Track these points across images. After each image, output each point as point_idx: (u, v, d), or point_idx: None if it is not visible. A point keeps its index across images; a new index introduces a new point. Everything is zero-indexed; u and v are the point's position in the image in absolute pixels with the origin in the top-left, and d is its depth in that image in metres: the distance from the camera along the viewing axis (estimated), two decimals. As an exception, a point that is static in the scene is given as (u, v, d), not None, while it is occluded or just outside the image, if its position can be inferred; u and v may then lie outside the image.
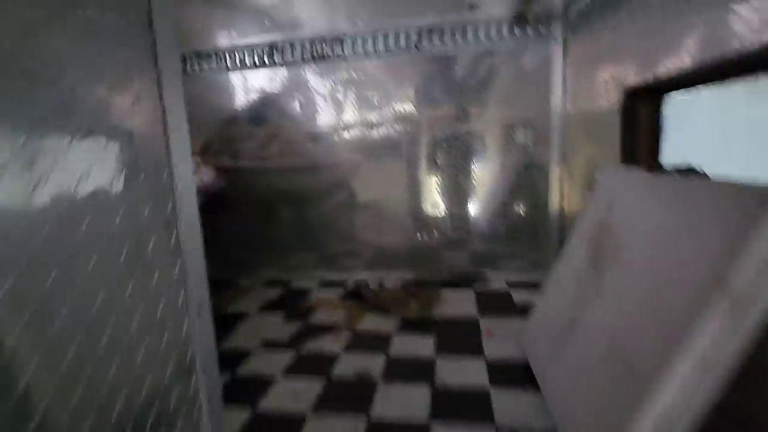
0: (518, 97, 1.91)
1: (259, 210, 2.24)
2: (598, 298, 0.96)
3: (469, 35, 1.85)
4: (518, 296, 1.78)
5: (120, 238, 0.68)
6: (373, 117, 2.04)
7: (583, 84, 1.64)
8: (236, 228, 2.26)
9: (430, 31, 1.87)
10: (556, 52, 1.79)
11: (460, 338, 1.43)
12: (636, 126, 1.16)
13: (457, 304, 1.72)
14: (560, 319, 1.09)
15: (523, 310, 1.61)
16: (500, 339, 1.41)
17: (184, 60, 2.12)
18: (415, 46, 1.90)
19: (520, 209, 2.00)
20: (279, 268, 2.26)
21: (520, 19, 1.73)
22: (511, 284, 1.91)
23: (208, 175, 1.68)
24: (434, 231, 2.09)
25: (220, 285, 2.16)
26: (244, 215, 2.24)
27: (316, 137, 2.12)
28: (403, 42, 1.90)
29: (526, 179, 1.96)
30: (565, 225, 1.89)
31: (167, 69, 0.77)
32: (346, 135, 2.08)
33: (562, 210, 1.90)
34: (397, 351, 1.37)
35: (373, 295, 1.81)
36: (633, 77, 1.20)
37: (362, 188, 2.14)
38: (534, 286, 1.87)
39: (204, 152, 2.24)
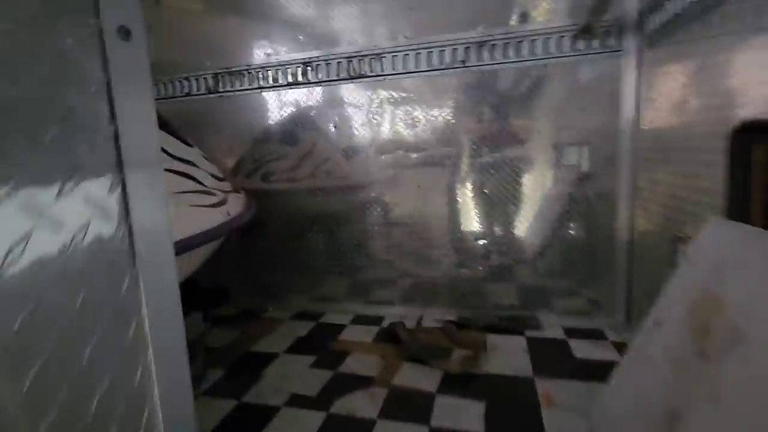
0: (578, 117, 1.68)
1: (290, 233, 2.12)
2: (714, 400, 0.74)
3: (524, 49, 1.65)
4: (578, 348, 1.55)
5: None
6: (412, 138, 1.87)
7: (663, 104, 1.40)
8: (265, 252, 2.16)
9: (480, 45, 1.68)
10: (628, 66, 1.55)
11: (514, 406, 1.23)
12: (749, 171, 0.93)
13: (507, 356, 1.51)
14: (652, 411, 0.88)
15: (586, 369, 1.39)
16: (562, 409, 1.20)
17: (215, 77, 2.04)
18: (462, 62, 1.71)
19: (577, 239, 1.77)
20: (310, 297, 2.13)
21: (585, 31, 1.51)
22: (568, 331, 1.68)
23: (237, 205, 1.56)
24: (478, 261, 1.89)
25: (248, 315, 2.06)
26: (274, 238, 2.13)
27: (351, 157, 1.98)
28: (448, 58, 1.72)
29: (584, 205, 1.73)
30: (634, 261, 1.64)
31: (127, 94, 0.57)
32: (383, 156, 1.93)
33: (630, 243, 1.66)
34: (441, 420, 1.18)
35: (410, 338, 1.63)
36: (735, 101, 0.97)
37: (399, 211, 1.98)
38: (596, 335, 1.63)
39: (235, 173, 2.15)
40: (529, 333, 1.69)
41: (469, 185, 1.85)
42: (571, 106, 1.68)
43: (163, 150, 1.33)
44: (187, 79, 2.07)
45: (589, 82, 1.64)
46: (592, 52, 1.58)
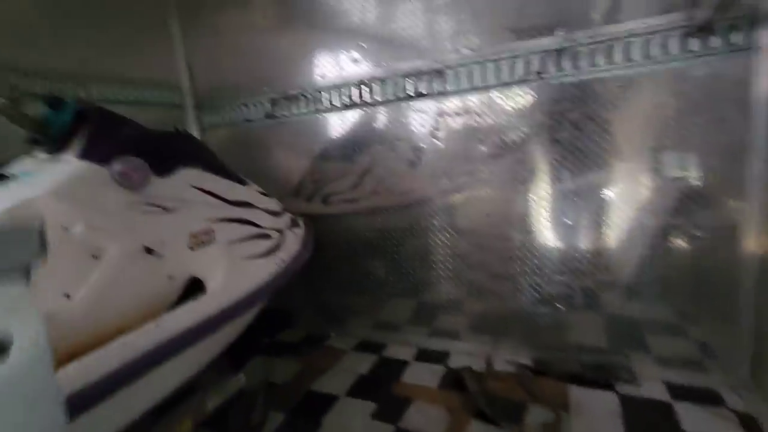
0: (688, 130, 1.37)
1: (351, 252, 2.05)
2: None
3: (616, 55, 1.36)
4: (687, 416, 1.28)
5: None
6: (478, 156, 1.67)
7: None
8: (327, 272, 2.12)
9: (559, 52, 1.43)
10: (761, 67, 1.22)
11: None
12: None
13: (595, 422, 1.29)
14: None
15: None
16: None
17: (273, 102, 2.00)
18: (538, 74, 1.47)
19: (684, 267, 1.46)
20: (373, 323, 2.06)
21: (704, 29, 1.20)
22: (672, 389, 1.41)
23: (294, 243, 1.50)
24: (557, 291, 1.66)
25: (311, 341, 2.05)
26: (335, 258, 2.08)
27: (413, 173, 1.84)
28: (521, 70, 1.49)
29: (696, 231, 1.42)
30: (764, 300, 1.32)
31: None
32: (446, 176, 1.76)
33: (761, 281, 1.33)
34: None
35: (479, 388, 1.48)
36: None
37: (465, 235, 1.80)
38: (710, 399, 1.35)
39: (296, 195, 2.12)
40: (621, 388, 1.45)
41: (546, 211, 1.62)
42: (680, 119, 1.37)
43: (218, 196, 1.30)
44: (246, 105, 2.06)
45: (702, 88, 1.32)
46: (708, 52, 1.26)
